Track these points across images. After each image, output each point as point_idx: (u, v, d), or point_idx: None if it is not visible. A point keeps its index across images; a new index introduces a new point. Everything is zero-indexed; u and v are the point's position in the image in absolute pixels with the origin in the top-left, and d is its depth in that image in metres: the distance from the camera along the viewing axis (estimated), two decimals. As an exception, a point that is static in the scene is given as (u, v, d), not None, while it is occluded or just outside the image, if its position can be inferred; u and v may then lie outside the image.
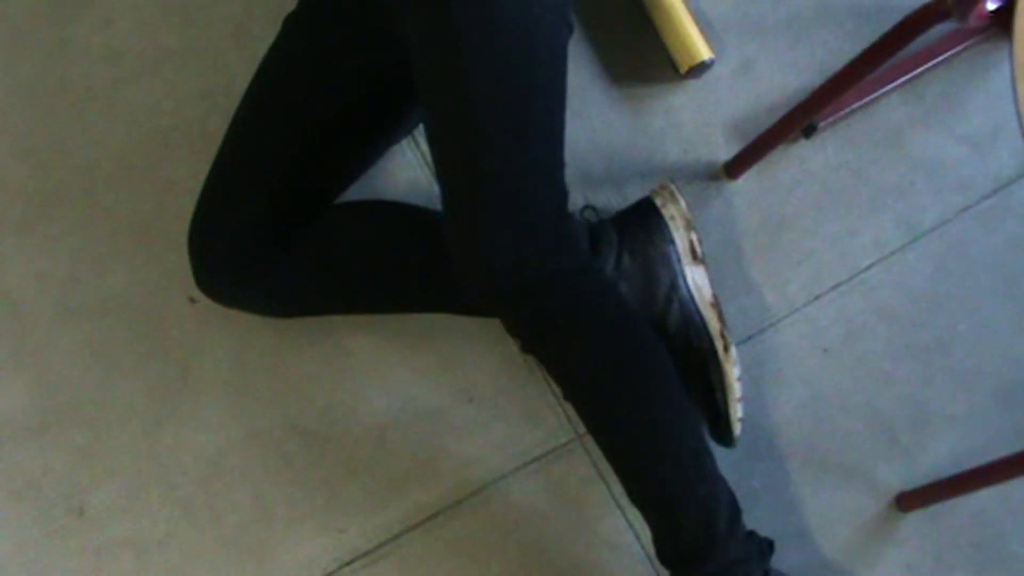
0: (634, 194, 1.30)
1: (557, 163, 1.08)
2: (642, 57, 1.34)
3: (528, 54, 1.05)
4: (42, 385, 1.25)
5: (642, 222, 1.22)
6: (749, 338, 1.29)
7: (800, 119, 1.20)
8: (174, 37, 1.34)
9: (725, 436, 1.20)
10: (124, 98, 1.33)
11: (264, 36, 1.29)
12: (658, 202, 1.22)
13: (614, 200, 1.31)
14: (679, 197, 1.22)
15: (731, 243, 1.31)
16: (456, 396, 1.25)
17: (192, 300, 1.26)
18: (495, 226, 1.03)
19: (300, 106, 1.19)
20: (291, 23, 1.24)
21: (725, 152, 1.33)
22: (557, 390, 1.24)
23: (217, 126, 1.28)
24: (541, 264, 1.02)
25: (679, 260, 1.20)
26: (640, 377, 1.08)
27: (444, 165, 1.07)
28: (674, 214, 1.21)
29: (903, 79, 1.31)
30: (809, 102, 1.17)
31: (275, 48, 1.23)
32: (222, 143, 1.20)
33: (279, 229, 1.16)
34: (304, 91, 1.19)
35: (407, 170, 1.30)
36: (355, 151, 1.24)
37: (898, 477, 1.26)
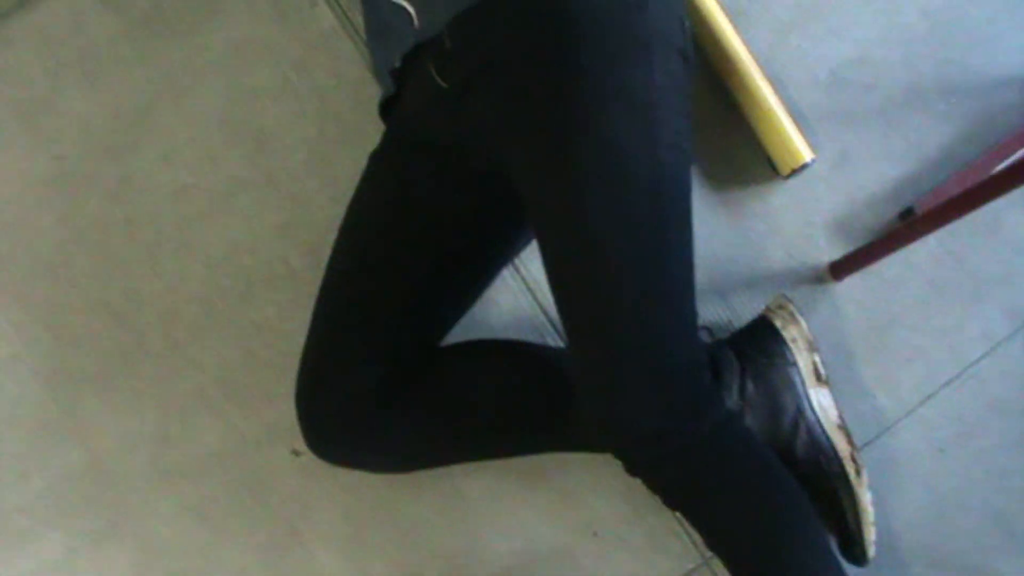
0: (741, 305, 1.31)
1: (691, 313, 1.08)
2: (739, 159, 1.34)
3: (656, 199, 1.05)
4: (146, 554, 1.23)
5: (762, 345, 1.22)
6: (866, 444, 1.31)
7: (910, 235, 1.22)
8: (244, 167, 1.31)
9: (859, 558, 1.22)
10: (197, 237, 1.30)
11: (341, 160, 1.28)
12: (777, 324, 1.23)
13: (722, 314, 1.31)
14: (799, 318, 1.22)
15: (842, 347, 1.32)
16: (579, 531, 1.26)
17: (296, 453, 1.25)
18: (634, 389, 1.04)
19: (401, 257, 1.18)
20: (379, 163, 1.22)
21: (828, 252, 1.34)
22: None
23: (301, 262, 1.27)
24: (682, 430, 1.03)
25: (803, 383, 1.21)
26: (782, 524, 1.11)
27: (572, 316, 1.07)
28: (795, 336, 1.22)
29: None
30: (921, 222, 1.18)
31: (365, 192, 1.21)
32: (320, 298, 1.18)
33: (392, 387, 1.16)
34: (404, 241, 1.18)
35: (509, 296, 1.30)
36: (461, 292, 1.23)
37: (1018, 572, 1.30)
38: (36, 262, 1.29)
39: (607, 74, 1.04)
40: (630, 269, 1.03)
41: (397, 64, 1.17)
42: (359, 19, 1.31)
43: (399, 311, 1.17)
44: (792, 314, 1.23)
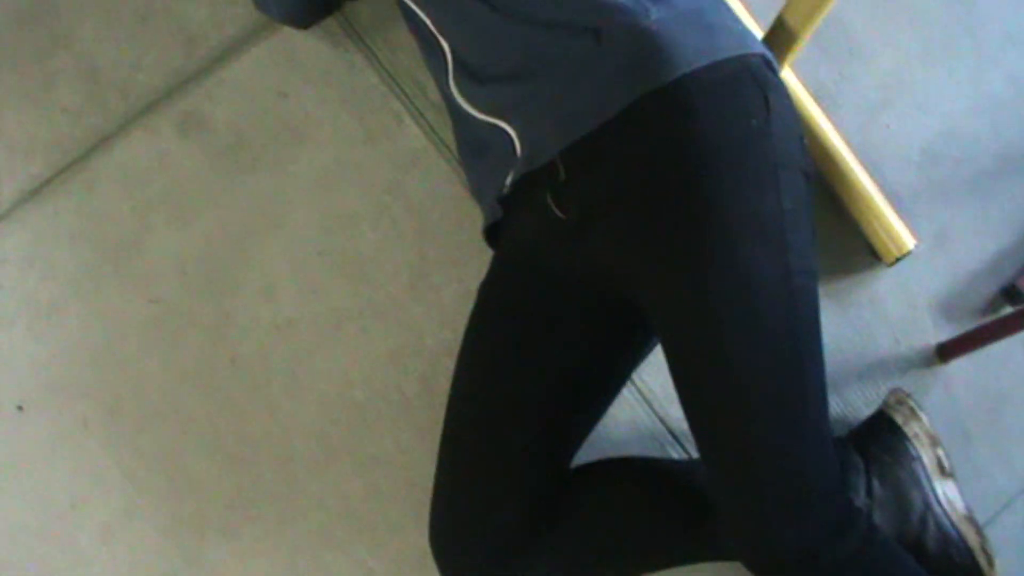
0: (854, 396, 1.34)
1: (828, 432, 1.12)
2: (840, 248, 1.37)
3: (792, 326, 1.09)
4: None
5: (885, 443, 1.26)
6: (987, 522, 1.35)
7: (1018, 323, 1.25)
8: (347, 297, 1.33)
9: (996, 645, 1.26)
10: (307, 371, 1.32)
11: (445, 282, 1.30)
12: (898, 420, 1.26)
13: (836, 406, 1.35)
14: (920, 413, 1.26)
15: (956, 428, 1.36)
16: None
17: (428, 585, 1.27)
18: (779, 515, 1.07)
19: (526, 388, 1.20)
20: (491, 293, 1.24)
21: (934, 334, 1.38)
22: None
23: (415, 390, 1.29)
24: (829, 552, 1.07)
25: (928, 478, 1.25)
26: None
27: (711, 443, 1.10)
28: (917, 431, 1.25)
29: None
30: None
31: (480, 326, 1.23)
32: (446, 437, 1.21)
33: (530, 521, 1.18)
34: (526, 372, 1.20)
35: (626, 408, 1.33)
36: (586, 414, 1.26)
37: None
38: (144, 408, 1.31)
39: (738, 205, 1.06)
40: (769, 399, 1.07)
41: (506, 191, 1.19)
42: (449, 135, 1.33)
43: (529, 443, 1.19)
44: (912, 410, 1.27)
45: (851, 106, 1.40)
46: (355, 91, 1.36)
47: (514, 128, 1.17)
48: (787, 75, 1.33)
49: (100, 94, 1.38)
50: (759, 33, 1.35)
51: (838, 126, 1.37)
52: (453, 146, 1.32)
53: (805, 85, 1.39)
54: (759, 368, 1.06)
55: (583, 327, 1.21)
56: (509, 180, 1.18)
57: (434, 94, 1.34)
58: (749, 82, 1.10)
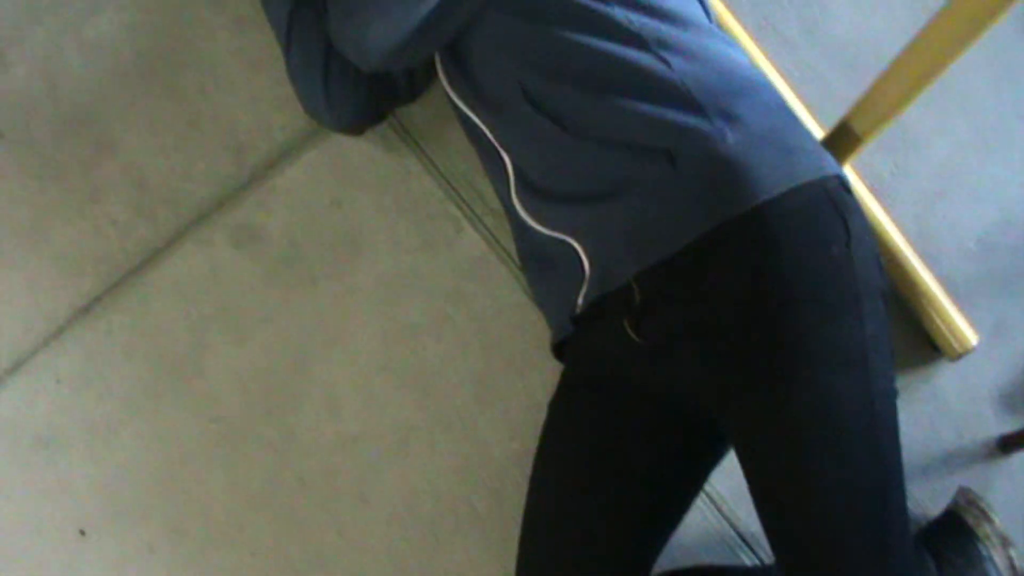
0: (919, 493, 1.37)
1: (909, 549, 1.14)
2: (901, 343, 1.38)
3: (875, 451, 1.11)
4: None
5: (956, 545, 1.29)
6: (1053, 614, 1.38)
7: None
8: (412, 411, 1.33)
9: None
10: (374, 488, 1.32)
11: (512, 392, 1.32)
12: (970, 521, 1.29)
13: (903, 503, 1.36)
14: (991, 514, 1.29)
15: (1020, 520, 1.38)
16: None
17: None
18: None
19: (603, 505, 1.21)
20: (562, 410, 1.25)
21: (996, 426, 1.40)
22: None
23: (485, 504, 1.30)
24: None
25: (1000, 579, 1.28)
26: None
27: (793, 563, 1.12)
28: (989, 533, 1.28)
29: None
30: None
31: (553, 443, 1.25)
32: (522, 552, 1.22)
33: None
34: (603, 488, 1.21)
35: (696, 515, 1.34)
36: (662, 526, 1.27)
37: None
38: (210, 530, 1.31)
39: (820, 335, 1.08)
40: (853, 523, 1.09)
41: (579, 311, 1.20)
42: (509, 241, 1.33)
43: (607, 556, 1.21)
44: (983, 511, 1.29)
45: (907, 197, 1.42)
46: (411, 197, 1.37)
47: (582, 245, 1.17)
48: (845, 170, 1.35)
49: (149, 205, 1.37)
50: (819, 132, 1.37)
51: (895, 219, 1.39)
52: (514, 252, 1.33)
53: (861, 177, 1.40)
54: (842, 494, 1.08)
55: (659, 440, 1.22)
56: (581, 300, 1.19)
57: (492, 199, 1.35)
58: (828, 208, 1.11)
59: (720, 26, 1.32)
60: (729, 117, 1.11)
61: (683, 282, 1.12)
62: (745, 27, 1.42)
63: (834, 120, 1.35)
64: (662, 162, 1.11)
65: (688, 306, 1.11)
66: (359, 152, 1.37)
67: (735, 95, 1.13)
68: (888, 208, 1.39)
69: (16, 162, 1.40)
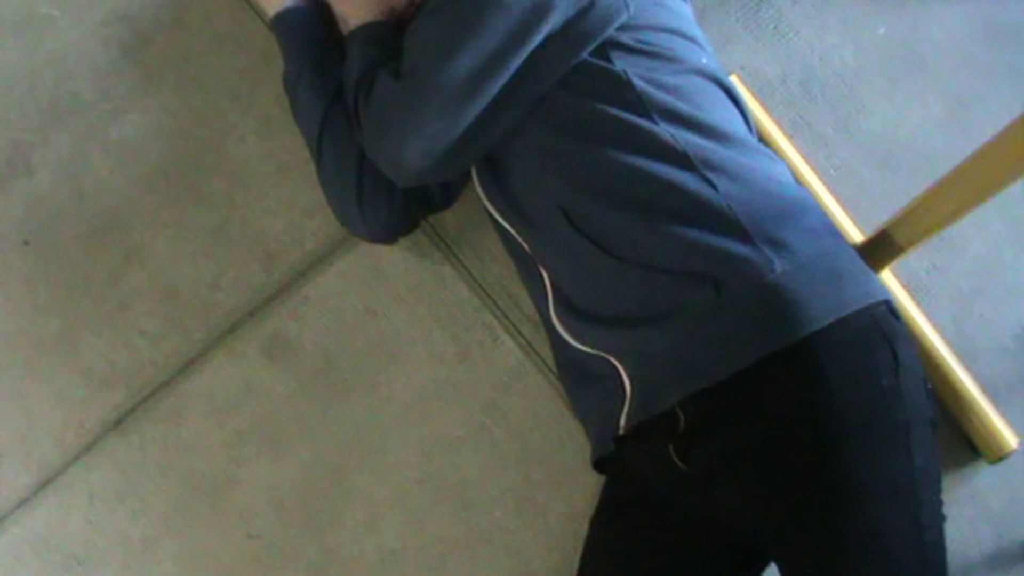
0: (961, 598, 1.38)
1: None
2: (941, 444, 1.39)
3: (923, 574, 1.11)
4: None
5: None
6: None
7: None
8: (452, 525, 1.34)
9: None
10: (418, 600, 1.33)
11: (552, 505, 1.33)
12: (1013, 629, 1.30)
13: (944, 608, 1.37)
14: (1034, 622, 1.30)
15: (1060, 621, 1.40)
16: None
17: None
18: None
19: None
20: (604, 528, 1.26)
21: (1036, 526, 1.41)
22: None
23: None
24: None
25: None
26: None
27: None
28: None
29: None
30: None
31: (595, 562, 1.24)
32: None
33: None
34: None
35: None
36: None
37: None
38: (250, 649, 1.31)
39: (869, 467, 1.09)
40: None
41: (620, 433, 1.20)
42: (546, 350, 1.33)
43: None
44: (1026, 618, 1.30)
45: (944, 297, 1.42)
46: (446, 306, 1.37)
47: (623, 366, 1.18)
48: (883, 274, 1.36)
49: (179, 316, 1.37)
50: (858, 234, 1.37)
51: (932, 319, 1.39)
52: (551, 361, 1.33)
53: (897, 276, 1.41)
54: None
55: (701, 560, 1.23)
56: (623, 420, 1.19)
57: (528, 306, 1.35)
58: (878, 337, 1.12)
59: (758, 131, 1.32)
60: (776, 245, 1.11)
61: (730, 410, 1.12)
62: (779, 125, 1.42)
63: (871, 218, 1.36)
64: (708, 289, 1.11)
65: (735, 435, 1.12)
66: (392, 259, 1.37)
67: (782, 220, 1.14)
68: (924, 308, 1.39)
69: (42, 270, 1.39)
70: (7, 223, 1.40)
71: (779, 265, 1.10)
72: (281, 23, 1.36)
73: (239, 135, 1.41)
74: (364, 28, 1.36)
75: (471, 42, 1.15)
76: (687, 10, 1.26)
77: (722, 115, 1.21)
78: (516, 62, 1.16)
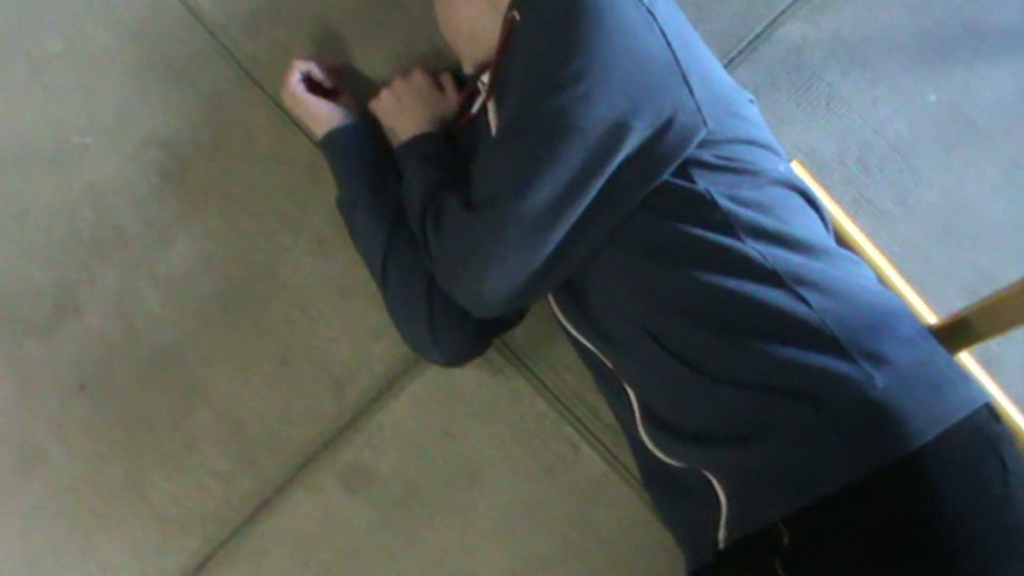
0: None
1: None
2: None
3: None
4: None
5: None
6: None
7: None
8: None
9: None
10: None
11: None
12: None
13: None
14: None
15: None
16: None
17: None
18: None
19: None
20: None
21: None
22: None
23: None
24: None
25: None
26: None
27: None
28: None
29: None
30: None
31: None
32: None
33: None
34: None
35: None
36: None
37: None
38: None
39: (983, 579, 1.09)
40: None
41: (722, 545, 1.19)
42: (629, 458, 1.32)
43: None
44: None
45: (1015, 366, 1.43)
46: (524, 421, 1.35)
47: (718, 479, 1.17)
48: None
49: (250, 452, 1.34)
50: (929, 315, 1.37)
51: (1005, 388, 1.40)
52: (635, 469, 1.32)
53: (969, 351, 1.41)
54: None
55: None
56: (721, 534, 1.19)
57: (607, 416, 1.34)
58: (983, 445, 1.12)
59: (833, 227, 1.31)
60: (875, 359, 1.11)
61: (838, 526, 1.12)
62: (841, 205, 1.42)
63: (936, 293, 1.37)
64: (807, 406, 1.10)
65: (845, 551, 1.11)
66: (464, 378, 1.35)
67: (877, 332, 1.13)
68: (997, 379, 1.40)
69: (102, 415, 1.36)
70: (61, 368, 1.37)
71: (880, 380, 1.10)
72: (331, 145, 1.33)
73: (294, 259, 1.38)
74: (416, 142, 1.33)
75: (549, 170, 1.13)
76: (757, 113, 1.25)
77: (805, 224, 1.20)
78: (595, 188, 1.14)
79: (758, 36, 1.46)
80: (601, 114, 1.12)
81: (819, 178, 1.43)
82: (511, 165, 1.16)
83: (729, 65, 1.45)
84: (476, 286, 1.17)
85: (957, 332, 1.30)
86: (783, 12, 1.46)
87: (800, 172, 1.40)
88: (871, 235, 1.42)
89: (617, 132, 1.12)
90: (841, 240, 1.34)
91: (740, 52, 1.45)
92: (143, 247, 1.38)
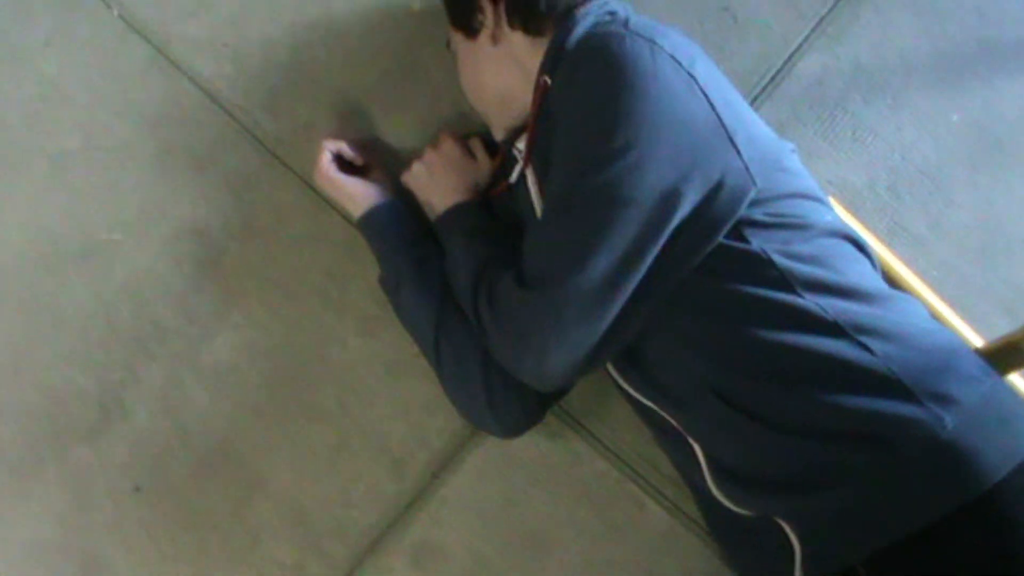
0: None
1: None
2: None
3: None
4: None
5: None
6: None
7: None
8: None
9: None
10: None
11: None
12: None
13: None
14: None
15: None
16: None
17: None
18: None
19: None
20: None
21: None
22: None
23: None
24: None
25: None
26: None
27: None
28: None
29: None
30: None
31: None
32: None
33: None
34: None
35: None
36: None
37: None
38: None
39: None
40: None
41: (795, 599, 1.21)
42: (691, 507, 1.33)
43: None
44: None
45: (1061, 379, 1.45)
46: (586, 482, 1.36)
47: (790, 526, 1.18)
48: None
49: (315, 540, 1.34)
50: (975, 338, 1.39)
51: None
52: (699, 518, 1.33)
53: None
54: None
55: None
56: None
57: (667, 467, 1.35)
58: (1058, 477, 1.13)
59: (880, 265, 1.32)
60: (942, 400, 1.12)
61: (916, 566, 1.13)
62: (876, 234, 1.43)
63: (977, 312, 1.39)
64: (879, 451, 1.12)
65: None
66: (523, 445, 1.35)
67: (941, 373, 1.14)
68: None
69: (160, 516, 1.35)
70: (113, 472, 1.35)
71: (949, 421, 1.11)
72: (369, 225, 1.33)
73: (339, 339, 1.37)
74: (454, 214, 1.33)
75: (604, 244, 1.13)
76: (799, 162, 1.25)
77: (858, 271, 1.21)
78: (651, 257, 1.14)
79: (779, 72, 1.46)
80: (652, 183, 1.12)
81: (853, 209, 1.44)
82: (565, 241, 1.16)
83: (753, 104, 1.46)
84: (539, 364, 1.17)
85: (1006, 355, 1.32)
86: (800, 45, 1.47)
87: (835, 207, 1.41)
88: (909, 262, 1.44)
89: (669, 200, 1.13)
90: (886, 274, 1.35)
91: (763, 90, 1.46)
92: (185, 341, 1.37)
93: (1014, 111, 1.49)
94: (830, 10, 1.49)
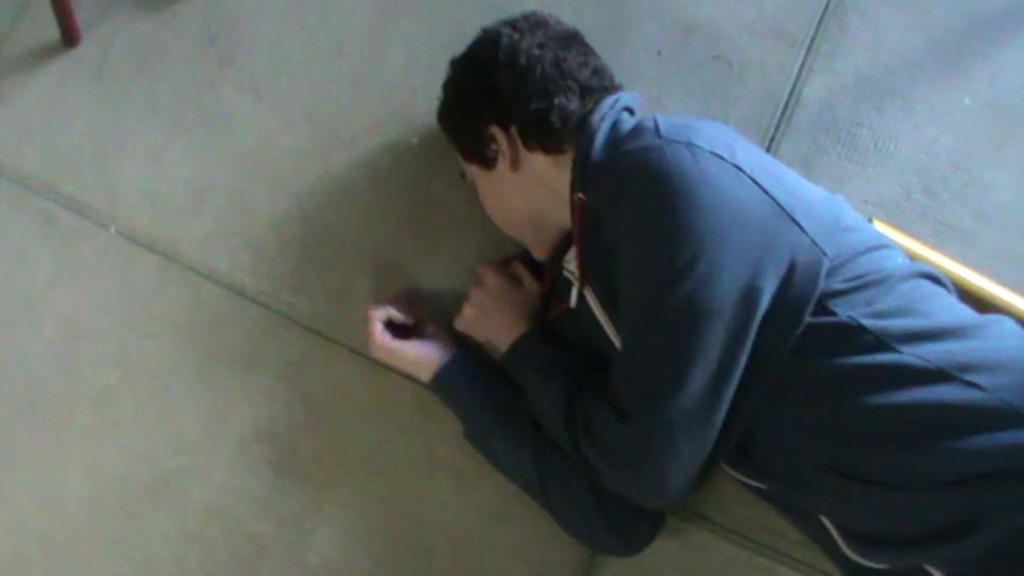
0: None
1: None
2: None
3: None
4: None
5: None
6: None
7: None
8: None
9: None
10: None
11: None
12: None
13: None
14: None
15: None
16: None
17: None
18: None
19: None
20: None
21: None
22: None
23: None
24: None
25: None
26: None
27: None
28: None
29: None
30: None
31: None
32: None
33: None
34: None
35: None
36: None
37: None
38: None
39: None
40: None
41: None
42: (824, 562, 1.33)
43: None
44: None
45: None
46: (718, 569, 1.36)
47: (939, 570, 1.18)
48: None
49: None
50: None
51: None
52: (835, 570, 1.32)
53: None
54: None
55: None
56: None
57: (792, 531, 1.33)
58: None
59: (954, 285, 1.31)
60: None
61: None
62: (924, 241, 1.42)
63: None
64: (1014, 484, 1.12)
65: None
66: (648, 553, 1.33)
67: None
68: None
69: None
70: None
71: None
72: (442, 388, 1.31)
73: (438, 501, 1.35)
74: (520, 349, 1.31)
75: (696, 359, 1.12)
76: (853, 212, 1.24)
77: (943, 306, 1.21)
78: (744, 357, 1.13)
79: (787, 104, 1.45)
80: (728, 287, 1.11)
81: (896, 223, 1.44)
82: (657, 365, 1.14)
83: (772, 143, 1.44)
84: (658, 489, 1.17)
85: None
86: (800, 72, 1.46)
87: (881, 227, 1.40)
88: (963, 260, 1.43)
89: (749, 297, 1.12)
90: (964, 293, 1.34)
91: (777, 128, 1.45)
92: (285, 547, 1.34)
93: (1021, 78, 1.49)
94: (817, 28, 1.48)
